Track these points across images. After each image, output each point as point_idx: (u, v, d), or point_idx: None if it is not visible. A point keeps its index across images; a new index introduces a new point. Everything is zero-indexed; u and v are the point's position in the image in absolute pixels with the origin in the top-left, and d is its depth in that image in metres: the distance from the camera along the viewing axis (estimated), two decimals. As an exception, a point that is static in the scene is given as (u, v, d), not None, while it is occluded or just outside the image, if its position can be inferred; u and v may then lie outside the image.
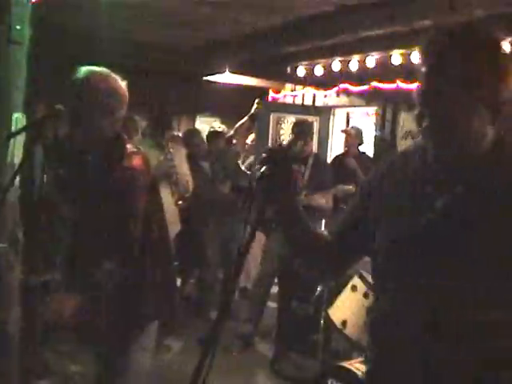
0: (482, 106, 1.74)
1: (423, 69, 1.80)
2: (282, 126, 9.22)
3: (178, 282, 7.70)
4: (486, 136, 1.78)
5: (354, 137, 7.85)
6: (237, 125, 8.64)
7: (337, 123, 9.78)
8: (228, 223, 7.18)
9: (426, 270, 1.77)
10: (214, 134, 7.84)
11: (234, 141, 8.37)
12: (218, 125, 8.59)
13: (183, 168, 6.51)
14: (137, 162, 3.02)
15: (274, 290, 6.77)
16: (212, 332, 1.59)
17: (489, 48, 1.76)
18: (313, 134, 7.05)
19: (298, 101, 10.77)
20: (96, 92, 2.97)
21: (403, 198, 1.90)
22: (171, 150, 6.42)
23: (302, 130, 6.48)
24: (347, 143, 7.99)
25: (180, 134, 8.02)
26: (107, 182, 2.96)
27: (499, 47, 1.77)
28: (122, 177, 2.95)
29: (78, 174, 3.20)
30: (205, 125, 11.84)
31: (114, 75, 3.06)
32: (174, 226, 6.22)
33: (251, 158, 8.22)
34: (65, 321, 2.84)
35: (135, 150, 3.10)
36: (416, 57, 6.25)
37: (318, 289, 4.91)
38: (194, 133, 7.78)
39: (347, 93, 9.59)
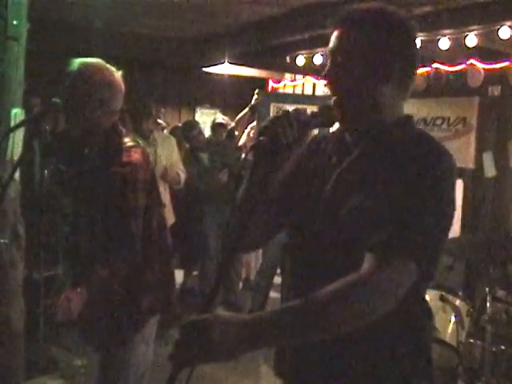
0: (384, 80, 1.86)
1: (330, 44, 1.93)
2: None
3: (181, 274, 7.74)
4: (388, 111, 1.89)
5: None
6: (237, 116, 8.64)
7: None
8: (227, 211, 7.16)
9: (317, 247, 1.86)
10: (218, 126, 7.85)
11: (236, 132, 8.37)
12: (220, 116, 8.59)
13: (173, 158, 6.38)
14: (136, 156, 2.99)
15: (278, 280, 6.77)
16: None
17: (390, 27, 1.88)
18: None
19: (298, 90, 10.75)
20: (90, 84, 2.94)
21: (313, 175, 2.00)
22: (157, 139, 6.30)
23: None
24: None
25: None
26: (106, 177, 2.94)
27: (401, 26, 1.90)
28: (122, 172, 2.92)
29: (76, 168, 3.18)
30: (205, 116, 11.85)
31: (108, 66, 3.03)
32: (168, 219, 6.20)
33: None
34: (73, 318, 2.84)
35: (134, 143, 3.07)
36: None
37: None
38: (192, 124, 7.77)
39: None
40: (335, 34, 1.93)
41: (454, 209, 1.80)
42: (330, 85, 1.93)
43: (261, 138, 1.76)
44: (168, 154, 6.29)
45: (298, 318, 1.61)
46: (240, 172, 7.03)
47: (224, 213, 7.13)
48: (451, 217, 1.79)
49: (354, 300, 1.61)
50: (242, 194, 1.94)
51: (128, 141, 3.05)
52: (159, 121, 8.03)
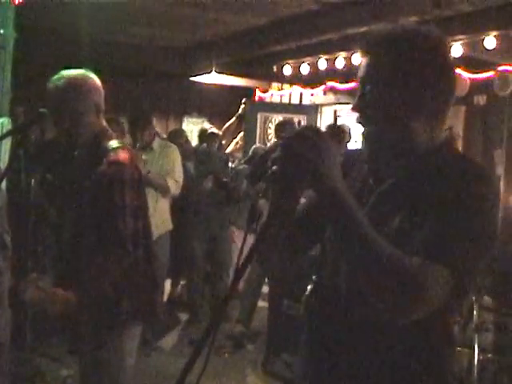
0: (418, 111, 1.73)
1: (359, 72, 1.79)
2: (270, 125, 9.23)
3: (169, 283, 7.72)
4: (422, 139, 1.76)
5: (347, 135, 7.87)
6: (225, 126, 8.65)
7: (324, 121, 9.79)
8: (213, 220, 7.15)
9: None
10: (211, 135, 7.85)
11: (223, 141, 8.37)
12: (208, 125, 8.59)
13: (168, 167, 6.28)
14: (122, 155, 3.01)
15: (265, 289, 6.77)
16: (205, 336, 1.56)
17: (424, 52, 1.73)
18: None
19: (285, 100, 10.80)
20: (84, 90, 3.03)
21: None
22: (157, 148, 6.26)
23: (285, 131, 6.54)
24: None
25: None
26: (93, 178, 2.96)
27: (437, 51, 1.75)
28: (108, 171, 2.94)
29: (65, 173, 3.22)
30: (192, 125, 11.85)
31: (91, 75, 3.11)
32: (166, 226, 6.19)
33: (239, 158, 8.23)
34: (55, 314, 2.85)
35: (120, 144, 3.10)
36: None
37: (309, 288, 4.90)
38: (178, 133, 7.75)
39: (334, 91, 9.62)
40: (363, 60, 1.80)
41: (494, 231, 1.70)
42: (360, 118, 1.80)
43: (274, 168, 1.58)
44: (165, 163, 6.21)
45: (362, 231, 1.57)
46: (225, 180, 7.04)
47: (211, 221, 7.11)
48: (492, 239, 1.69)
49: (397, 272, 1.56)
50: (264, 225, 1.74)
51: (115, 142, 3.08)
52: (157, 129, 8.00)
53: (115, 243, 2.91)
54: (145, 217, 3.16)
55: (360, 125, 1.81)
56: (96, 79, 3.11)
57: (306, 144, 1.55)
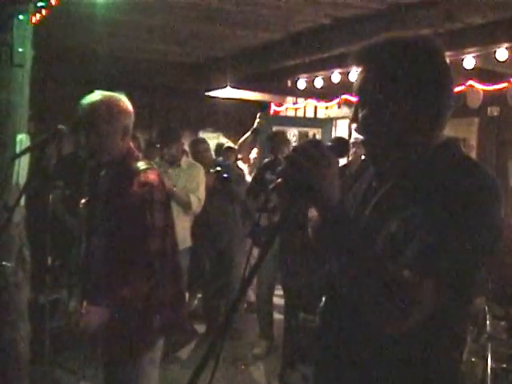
0: (416, 116, 1.75)
1: (354, 84, 1.83)
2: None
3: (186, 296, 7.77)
4: (424, 140, 1.79)
5: (361, 147, 7.88)
6: (240, 140, 8.70)
7: (339, 134, 9.83)
8: (223, 233, 7.14)
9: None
10: (226, 150, 7.91)
11: (239, 155, 8.41)
12: (224, 140, 8.60)
13: (192, 185, 6.35)
14: (152, 177, 3.10)
15: (281, 301, 6.79)
16: (211, 348, 1.57)
17: (417, 58, 1.75)
18: (289, 143, 7.03)
19: (300, 113, 10.85)
20: (114, 113, 3.12)
21: (355, 199, 1.95)
22: (183, 165, 6.37)
23: (276, 141, 6.64)
24: (355, 154, 8.02)
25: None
26: (124, 199, 3.02)
27: (431, 56, 1.77)
28: (140, 192, 3.02)
29: (91, 191, 3.30)
30: (208, 140, 11.91)
31: (123, 98, 3.21)
32: (186, 242, 6.28)
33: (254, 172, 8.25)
34: (90, 333, 2.93)
35: (148, 166, 3.18)
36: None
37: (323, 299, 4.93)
38: (200, 140, 7.66)
39: (348, 104, 9.67)
40: (358, 72, 1.83)
41: (495, 233, 1.69)
42: (358, 129, 1.84)
43: (279, 180, 1.63)
44: (190, 180, 6.30)
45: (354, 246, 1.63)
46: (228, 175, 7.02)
47: (221, 234, 7.12)
48: (492, 241, 1.68)
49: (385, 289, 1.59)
50: (267, 238, 1.75)
51: (143, 164, 3.16)
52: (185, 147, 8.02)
53: (144, 263, 2.99)
54: (172, 234, 3.24)
55: (359, 133, 1.85)
56: (127, 103, 3.20)
57: (306, 158, 1.61)
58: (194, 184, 6.30)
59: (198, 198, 6.26)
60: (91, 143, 3.13)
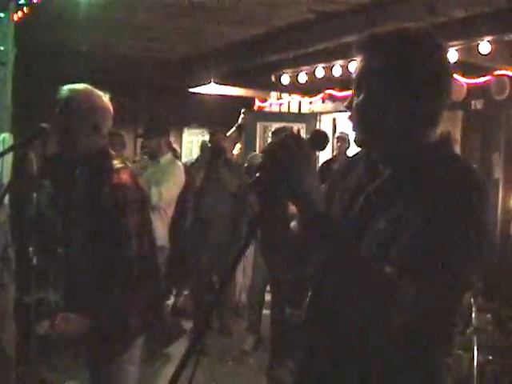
0: (412, 109, 1.72)
1: (357, 67, 1.79)
2: (269, 134, 9.27)
3: (173, 293, 7.76)
4: (419, 136, 1.77)
5: (346, 142, 7.90)
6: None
7: (323, 129, 9.82)
8: (214, 230, 7.10)
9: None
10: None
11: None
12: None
13: (163, 179, 6.16)
14: (125, 177, 3.04)
15: (268, 298, 6.79)
16: (193, 343, 1.57)
17: (417, 53, 1.73)
18: None
19: (284, 109, 10.84)
20: (84, 109, 3.01)
21: (343, 195, 1.92)
22: (162, 162, 6.22)
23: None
24: (340, 149, 8.04)
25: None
26: (97, 199, 2.98)
27: (431, 51, 1.75)
28: (113, 195, 2.97)
29: (67, 190, 3.24)
30: (193, 136, 11.91)
31: (96, 92, 3.10)
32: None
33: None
34: (68, 339, 2.90)
35: (122, 165, 3.12)
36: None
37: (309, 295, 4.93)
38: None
39: (332, 98, 9.67)
40: (358, 61, 1.79)
41: (483, 233, 1.68)
42: (353, 117, 1.80)
43: (257, 175, 1.61)
44: (162, 175, 6.08)
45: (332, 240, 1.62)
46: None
47: (215, 232, 7.08)
48: (480, 245, 1.67)
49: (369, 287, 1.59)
50: (247, 232, 1.79)
51: (117, 163, 3.10)
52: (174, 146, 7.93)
53: (120, 266, 2.95)
54: (149, 232, 3.20)
55: (352, 123, 1.81)
56: (99, 98, 3.08)
57: (284, 152, 1.60)
58: (164, 177, 6.05)
59: (159, 192, 5.91)
60: (58, 137, 3.08)
